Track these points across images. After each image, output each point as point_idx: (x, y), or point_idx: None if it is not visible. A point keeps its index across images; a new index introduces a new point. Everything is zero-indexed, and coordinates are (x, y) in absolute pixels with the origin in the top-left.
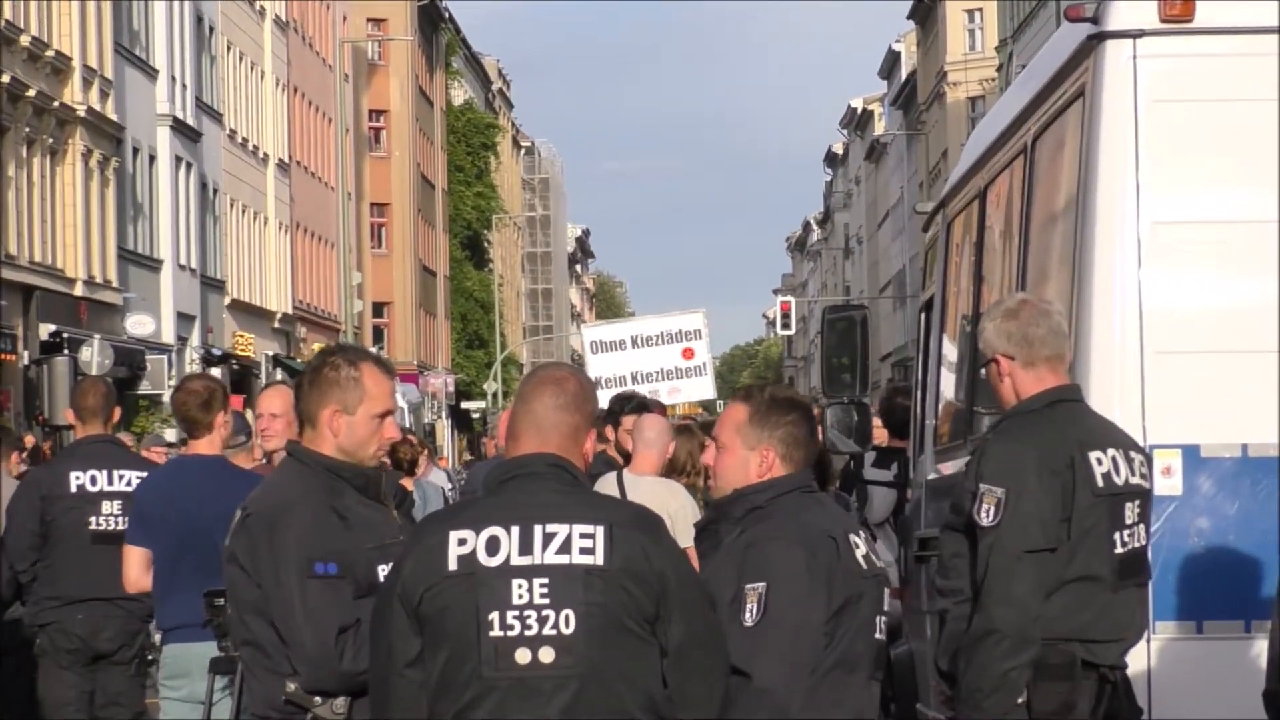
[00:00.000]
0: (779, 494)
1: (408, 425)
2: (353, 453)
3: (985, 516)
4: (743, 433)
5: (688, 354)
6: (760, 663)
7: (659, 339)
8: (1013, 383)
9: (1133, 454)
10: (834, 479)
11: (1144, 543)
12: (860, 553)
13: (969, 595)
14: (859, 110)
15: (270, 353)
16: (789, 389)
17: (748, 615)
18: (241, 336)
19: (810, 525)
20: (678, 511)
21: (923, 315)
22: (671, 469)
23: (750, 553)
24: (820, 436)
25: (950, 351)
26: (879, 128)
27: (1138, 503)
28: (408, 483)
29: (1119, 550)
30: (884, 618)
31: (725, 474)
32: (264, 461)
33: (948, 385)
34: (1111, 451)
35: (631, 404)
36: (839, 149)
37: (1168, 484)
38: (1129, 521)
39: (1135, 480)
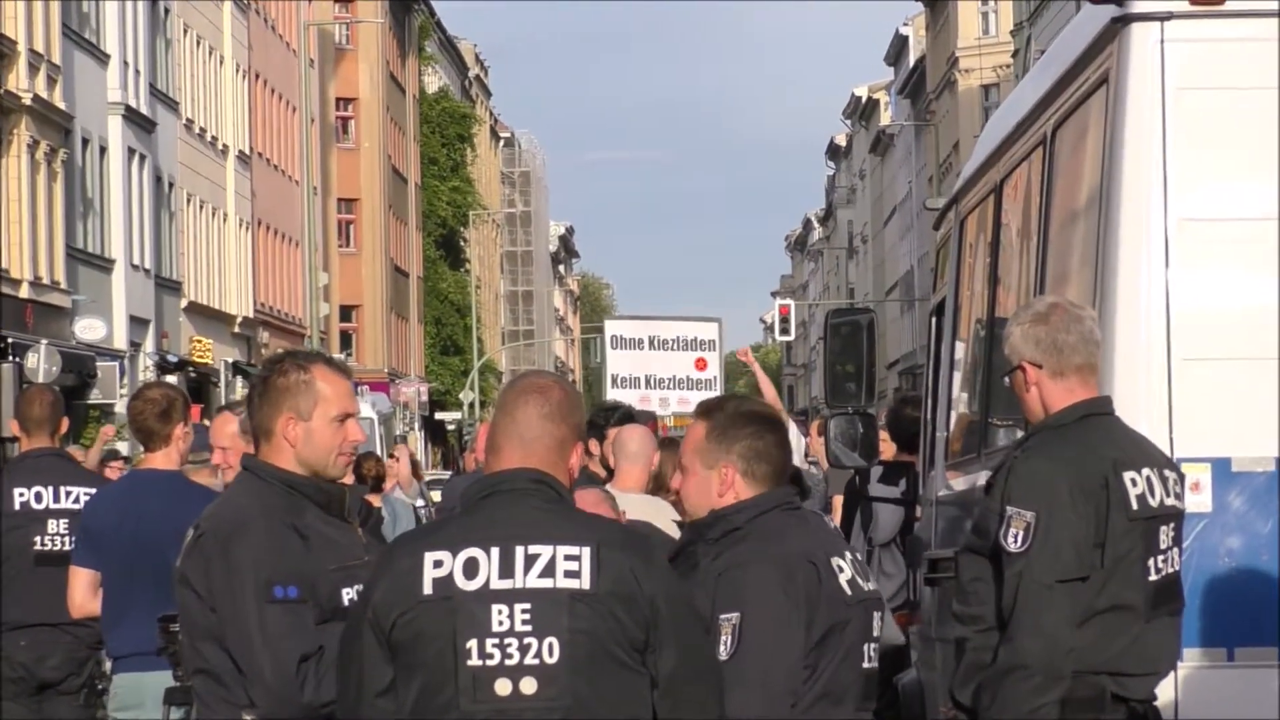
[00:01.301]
0: (758, 513)
1: (378, 437)
2: (314, 463)
3: (1013, 541)
4: (701, 452)
5: (700, 365)
6: (736, 698)
7: (675, 344)
8: (1039, 393)
9: (1167, 473)
10: (807, 496)
11: (1178, 568)
12: (845, 577)
13: (992, 624)
14: (864, 99)
15: (230, 359)
16: (755, 402)
17: (723, 648)
18: (199, 342)
19: (788, 549)
20: (670, 529)
21: (933, 319)
22: (659, 485)
23: (723, 580)
24: (797, 449)
25: (963, 358)
26: (885, 118)
27: (1172, 525)
28: (374, 499)
29: (1153, 577)
30: (874, 644)
31: (690, 498)
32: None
33: (960, 395)
34: (1146, 471)
35: (616, 415)
36: (842, 141)
37: (1196, 500)
38: (1164, 546)
39: (1170, 501)
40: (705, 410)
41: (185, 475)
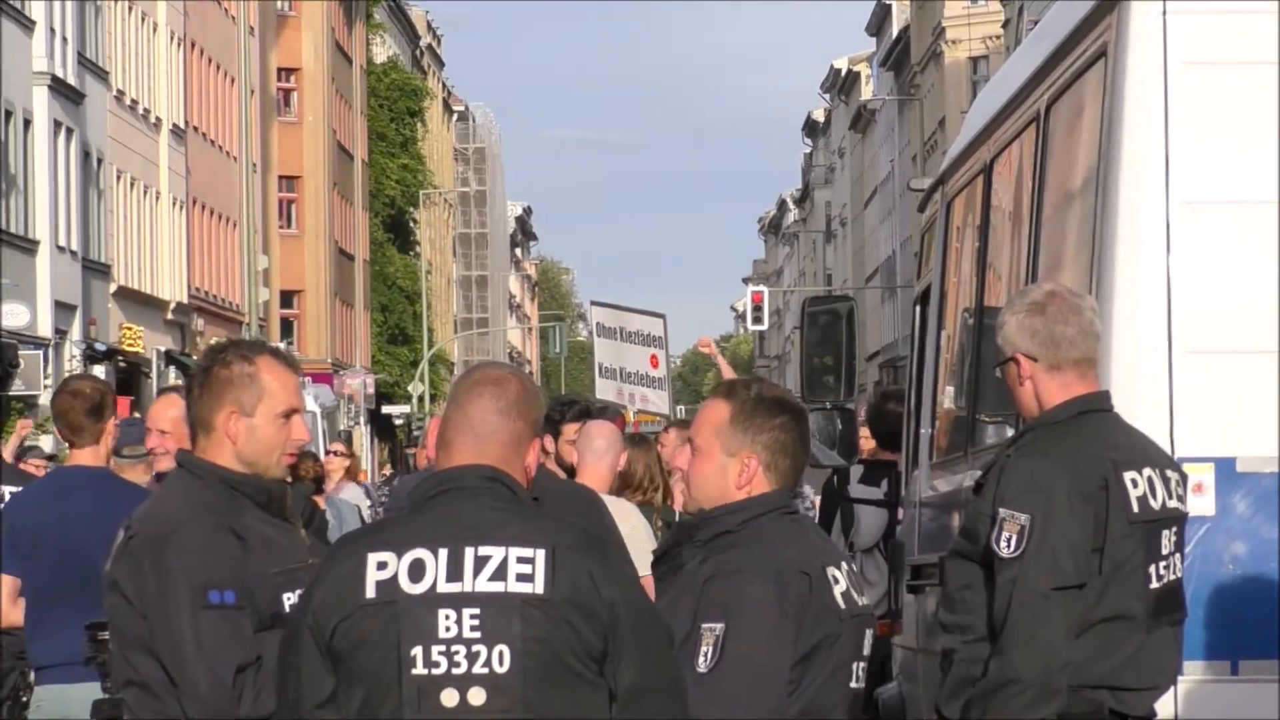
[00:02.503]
0: (753, 516)
1: (320, 432)
2: (255, 461)
3: (1006, 546)
4: (723, 435)
5: (654, 362)
6: (713, 713)
7: (635, 337)
8: (1034, 387)
9: (1169, 474)
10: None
11: (1179, 575)
12: (839, 589)
13: (982, 634)
14: (843, 72)
15: (162, 348)
16: (779, 387)
17: (702, 659)
18: (129, 329)
19: (782, 557)
20: (631, 534)
21: (917, 308)
22: (625, 484)
23: (710, 587)
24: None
25: (949, 350)
26: (866, 92)
27: (1174, 529)
28: (319, 500)
29: (1154, 585)
30: (864, 664)
31: (701, 482)
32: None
33: (946, 389)
34: (1148, 471)
35: (573, 410)
36: (820, 116)
37: (1199, 503)
38: (1165, 551)
39: (1172, 504)
40: (728, 390)
41: (115, 473)
